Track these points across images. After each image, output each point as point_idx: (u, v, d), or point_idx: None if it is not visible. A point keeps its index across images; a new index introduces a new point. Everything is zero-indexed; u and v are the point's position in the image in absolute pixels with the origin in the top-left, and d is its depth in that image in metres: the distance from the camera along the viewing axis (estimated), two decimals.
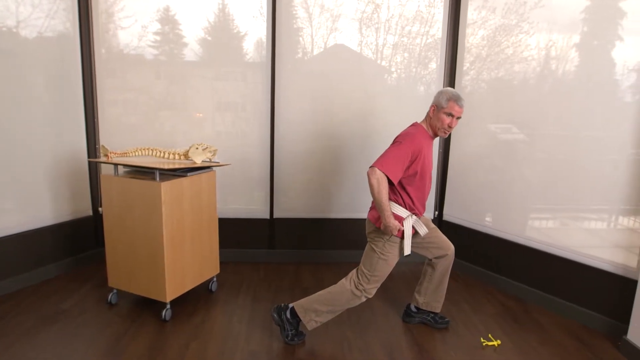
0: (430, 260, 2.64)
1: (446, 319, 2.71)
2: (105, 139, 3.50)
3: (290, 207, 3.69)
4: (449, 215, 3.71)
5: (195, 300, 2.96)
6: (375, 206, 2.30)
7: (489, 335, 2.62)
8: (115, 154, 2.79)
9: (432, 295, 2.67)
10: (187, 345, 2.43)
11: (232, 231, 3.62)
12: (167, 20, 3.41)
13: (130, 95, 3.50)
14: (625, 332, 2.47)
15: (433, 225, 2.63)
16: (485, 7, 3.32)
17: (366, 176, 2.24)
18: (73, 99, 3.34)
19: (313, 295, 2.45)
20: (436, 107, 2.34)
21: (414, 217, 2.40)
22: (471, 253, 3.51)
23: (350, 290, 2.38)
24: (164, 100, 3.51)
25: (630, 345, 2.40)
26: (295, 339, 2.45)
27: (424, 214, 2.59)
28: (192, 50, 3.47)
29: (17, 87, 2.96)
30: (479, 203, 3.45)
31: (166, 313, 2.67)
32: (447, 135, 2.41)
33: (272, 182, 3.62)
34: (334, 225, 3.71)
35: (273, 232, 3.70)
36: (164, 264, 2.58)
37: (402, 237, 2.37)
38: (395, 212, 2.34)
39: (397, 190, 2.35)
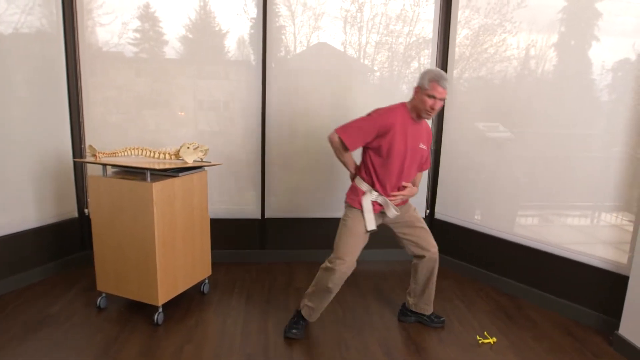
0: (412, 258, 2.64)
1: (442, 318, 2.71)
2: (91, 139, 3.39)
3: (281, 207, 3.65)
4: (440, 213, 3.72)
5: (188, 302, 2.90)
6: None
7: (485, 332, 2.63)
8: (103, 154, 2.71)
9: (420, 297, 2.66)
10: (182, 349, 2.37)
11: (223, 232, 3.56)
12: (148, 17, 3.32)
13: (112, 93, 3.39)
14: (617, 327, 2.51)
15: (420, 225, 2.59)
16: (469, 7, 3.35)
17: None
18: (57, 98, 3.22)
19: None
20: (419, 89, 2.29)
21: (378, 195, 2.40)
22: (462, 251, 3.53)
23: (324, 265, 2.43)
24: (147, 98, 3.42)
25: (622, 340, 2.44)
26: (289, 331, 2.49)
27: (414, 209, 2.61)
28: (173, 48, 3.39)
29: (2, 85, 2.84)
30: (469, 201, 3.47)
31: (158, 317, 2.60)
32: (430, 118, 2.38)
33: (263, 182, 3.57)
34: (325, 225, 3.67)
35: (264, 232, 3.65)
36: (156, 267, 2.51)
37: (361, 209, 2.41)
38: (357, 184, 2.43)
39: (363, 163, 2.42)
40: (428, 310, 2.68)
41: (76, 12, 3.22)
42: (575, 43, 2.78)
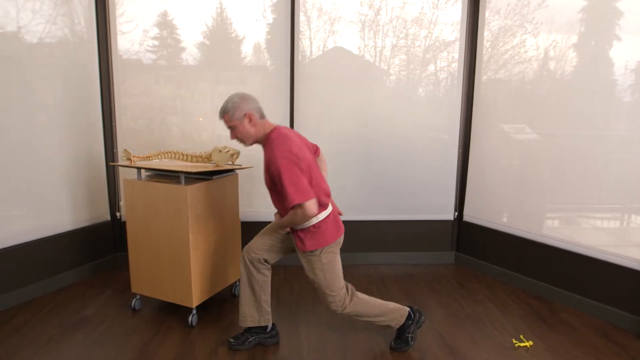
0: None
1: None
2: (122, 144, 3.45)
3: None
4: (468, 215, 3.68)
5: (220, 304, 2.92)
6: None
7: (520, 336, 2.59)
8: (138, 157, 2.75)
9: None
10: (216, 351, 2.39)
11: (252, 235, 3.58)
12: (166, 24, 3.39)
13: (138, 99, 3.46)
14: None
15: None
16: (489, 9, 3.33)
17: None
18: (90, 104, 3.30)
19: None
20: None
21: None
22: (492, 253, 3.49)
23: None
24: (167, 104, 3.48)
25: None
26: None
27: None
28: (190, 54, 3.44)
29: (29, 92, 2.91)
30: (498, 203, 3.44)
31: (192, 318, 2.63)
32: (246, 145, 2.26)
33: None
34: (353, 227, 3.68)
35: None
36: (190, 269, 2.54)
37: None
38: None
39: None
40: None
41: (109, 20, 3.30)
42: (596, 43, 2.75)
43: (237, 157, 2.87)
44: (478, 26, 3.48)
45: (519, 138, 3.27)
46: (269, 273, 2.42)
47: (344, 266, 3.61)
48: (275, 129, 2.18)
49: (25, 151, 2.90)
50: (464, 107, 3.59)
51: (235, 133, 2.20)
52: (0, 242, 2.80)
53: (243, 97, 2.17)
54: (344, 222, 3.62)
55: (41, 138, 2.99)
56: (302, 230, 2.18)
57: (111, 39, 3.32)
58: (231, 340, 2.44)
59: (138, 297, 2.84)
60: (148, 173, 2.79)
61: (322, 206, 2.16)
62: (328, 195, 2.23)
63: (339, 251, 2.29)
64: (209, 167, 2.70)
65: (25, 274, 2.93)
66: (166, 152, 2.80)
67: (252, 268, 2.36)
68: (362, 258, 3.73)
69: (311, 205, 2.01)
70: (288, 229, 2.23)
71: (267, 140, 2.17)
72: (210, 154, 2.78)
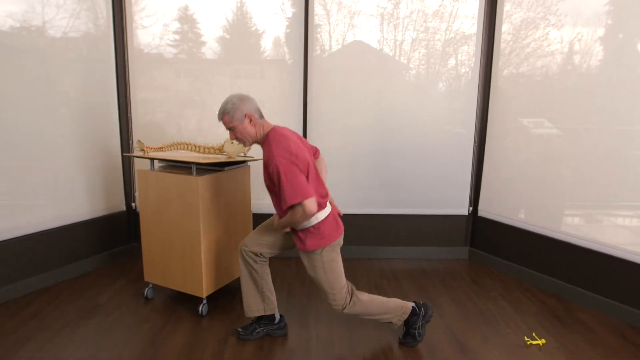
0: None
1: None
2: (138, 135, 3.50)
3: None
4: (483, 211, 3.62)
5: (231, 295, 2.95)
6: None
7: (533, 334, 2.54)
8: (151, 148, 2.79)
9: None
10: (226, 340, 2.41)
11: None
12: (186, 19, 3.41)
13: (155, 93, 3.50)
14: None
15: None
16: (510, 1, 3.24)
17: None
18: (107, 97, 3.36)
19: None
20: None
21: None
22: (507, 249, 3.43)
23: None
24: (186, 98, 3.51)
25: None
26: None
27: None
28: (210, 48, 3.46)
29: (51, 85, 2.98)
30: (514, 198, 3.37)
31: (203, 308, 2.66)
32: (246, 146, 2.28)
33: None
34: (366, 220, 3.66)
35: None
36: (201, 259, 2.57)
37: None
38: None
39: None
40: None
41: (125, 14, 3.34)
42: (624, 36, 2.64)
43: (249, 148, 2.88)
44: (496, 19, 3.40)
45: (538, 133, 3.19)
46: (266, 264, 2.42)
47: (356, 260, 3.64)
48: (274, 129, 2.18)
49: (46, 143, 2.97)
50: (481, 100, 3.52)
51: (235, 134, 2.21)
52: (21, 229, 2.88)
53: (242, 98, 2.18)
54: (357, 215, 3.64)
55: (61, 130, 3.05)
56: (302, 230, 2.17)
57: (127, 33, 3.37)
58: (239, 330, 2.46)
59: (151, 286, 2.88)
60: (161, 164, 2.83)
61: (319, 206, 2.14)
62: (324, 197, 2.20)
63: (339, 250, 2.27)
64: (221, 158, 2.71)
65: (45, 261, 3.02)
66: (179, 144, 2.82)
67: (250, 260, 2.37)
68: (374, 252, 3.71)
69: (311, 203, 1.99)
70: (288, 229, 2.23)
71: (265, 140, 2.17)
72: (223, 146, 2.80)
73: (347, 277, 3.29)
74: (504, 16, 3.32)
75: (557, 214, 3.09)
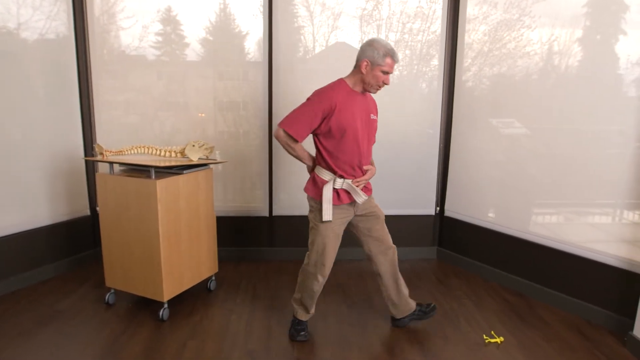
0: (370, 258, 2.51)
1: (431, 304, 2.63)
2: (105, 138, 3.46)
3: (289, 204, 3.65)
4: (450, 211, 3.66)
5: (194, 299, 2.93)
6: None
7: (492, 332, 2.57)
8: (110, 152, 2.76)
9: (399, 301, 2.56)
10: (185, 345, 2.39)
11: (232, 229, 3.59)
12: (169, 20, 3.39)
13: (132, 95, 3.47)
14: (632, 327, 2.41)
15: (383, 218, 2.49)
16: (487, 3, 3.26)
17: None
18: (69, 100, 3.31)
19: None
20: (370, 63, 2.15)
21: (342, 180, 2.25)
22: (474, 249, 3.46)
23: (303, 268, 2.43)
24: (164, 100, 3.48)
25: (637, 341, 2.35)
26: (297, 336, 2.45)
27: (373, 198, 2.48)
28: (193, 50, 3.44)
29: (14, 87, 2.93)
30: (481, 198, 3.41)
31: (164, 312, 2.63)
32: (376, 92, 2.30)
33: (271, 180, 3.58)
34: None
35: (272, 230, 3.66)
36: (161, 263, 2.54)
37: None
38: (319, 175, 2.27)
39: (318, 152, 2.26)
40: (412, 306, 2.58)
41: (87, 17, 3.30)
42: (601, 37, 2.66)
43: (212, 151, 2.87)
44: (459, 20, 3.43)
45: (507, 133, 3.22)
46: (373, 264, 2.53)
47: None
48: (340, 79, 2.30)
49: (4, 146, 2.92)
50: (446, 101, 3.56)
51: None
52: None
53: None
54: None
55: (20, 133, 3.00)
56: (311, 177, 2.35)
57: (89, 35, 3.33)
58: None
59: (112, 291, 2.85)
60: (122, 168, 2.80)
61: (341, 173, 2.25)
62: (344, 169, 2.25)
63: (333, 235, 2.32)
64: (183, 161, 2.70)
65: (3, 268, 2.95)
66: (140, 147, 2.80)
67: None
68: (342, 253, 3.69)
69: (283, 134, 2.18)
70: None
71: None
72: (184, 149, 2.78)
73: None
74: (480, 17, 3.32)
75: (522, 213, 3.13)
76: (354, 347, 2.40)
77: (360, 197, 2.29)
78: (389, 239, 2.49)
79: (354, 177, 2.28)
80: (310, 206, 2.36)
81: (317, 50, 3.50)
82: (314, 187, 2.30)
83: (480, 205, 3.41)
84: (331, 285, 3.19)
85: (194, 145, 2.76)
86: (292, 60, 3.47)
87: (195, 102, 3.50)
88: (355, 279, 3.31)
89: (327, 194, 2.23)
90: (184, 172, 2.65)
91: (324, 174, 2.27)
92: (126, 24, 3.36)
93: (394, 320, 2.64)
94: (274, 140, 3.52)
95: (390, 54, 2.14)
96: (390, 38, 3.50)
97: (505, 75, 3.18)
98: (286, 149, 2.23)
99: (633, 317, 2.42)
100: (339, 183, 2.25)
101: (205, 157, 2.87)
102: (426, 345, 2.44)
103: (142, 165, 2.54)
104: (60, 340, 2.42)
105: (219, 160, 2.94)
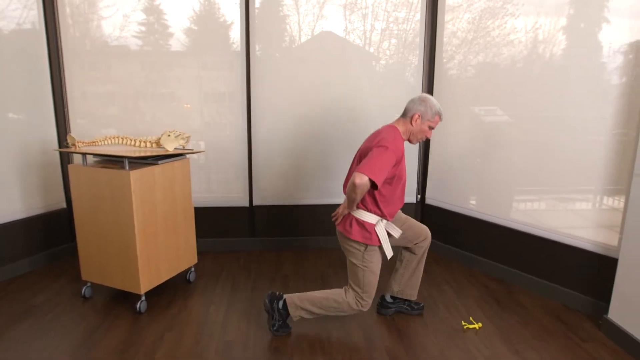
0: (408, 249, 2.58)
1: (421, 304, 2.68)
2: (82, 130, 3.39)
3: (269, 194, 3.62)
4: (431, 198, 3.66)
5: (173, 291, 2.89)
6: (347, 202, 2.23)
7: (470, 318, 2.59)
8: (83, 143, 2.69)
9: (408, 282, 2.61)
10: (162, 337, 2.36)
11: (212, 220, 3.55)
12: (152, 10, 3.30)
13: (111, 86, 3.39)
14: (606, 311, 2.45)
15: (404, 216, 2.56)
16: None
17: (346, 162, 2.19)
18: (41, 91, 3.22)
19: (308, 293, 2.36)
20: (421, 117, 2.26)
21: (385, 220, 2.31)
22: (454, 236, 3.48)
23: (348, 303, 2.30)
24: (146, 91, 3.41)
25: (611, 324, 2.38)
26: (281, 330, 2.39)
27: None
28: (177, 40, 3.37)
29: None
30: (461, 186, 3.41)
31: (141, 305, 2.60)
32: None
33: (250, 170, 3.54)
34: (313, 212, 3.65)
35: (253, 220, 3.63)
36: (137, 255, 2.50)
37: (380, 244, 2.29)
38: (363, 219, 2.26)
39: (373, 197, 2.25)
40: (414, 295, 2.63)
41: (57, 7, 3.20)
42: (585, 25, 2.63)
43: (188, 141, 2.82)
44: (437, 7, 3.41)
45: (489, 120, 3.22)
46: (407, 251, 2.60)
47: (311, 249, 3.62)
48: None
49: None
50: (426, 89, 3.55)
51: None
52: None
53: None
54: (310, 206, 3.63)
55: None
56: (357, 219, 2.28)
57: (60, 26, 3.24)
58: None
59: (89, 284, 2.80)
60: (96, 159, 2.74)
61: (384, 215, 2.28)
62: (389, 212, 2.30)
63: (380, 261, 2.33)
64: (159, 151, 2.65)
65: None
66: (113, 137, 2.74)
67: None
68: (326, 242, 3.70)
69: (365, 181, 2.05)
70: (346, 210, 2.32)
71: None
72: (159, 139, 2.73)
73: (297, 266, 3.30)
74: (460, 6, 3.28)
75: (503, 200, 3.14)
76: (332, 336, 2.40)
77: (397, 232, 2.38)
78: (420, 229, 2.54)
79: (389, 217, 2.34)
80: (355, 249, 2.29)
81: (303, 39, 3.45)
82: (363, 231, 2.27)
83: (461, 192, 3.42)
84: (311, 273, 3.18)
85: (169, 135, 2.71)
86: (276, 49, 3.42)
87: (180, 93, 3.43)
88: (335, 268, 3.30)
89: (383, 234, 2.30)
90: (159, 162, 2.60)
91: (369, 217, 2.26)
92: (106, 13, 3.27)
93: (381, 305, 2.66)
94: (252, 129, 3.48)
95: (440, 113, 2.30)
96: (375, 27, 3.46)
97: (490, 63, 3.17)
98: (356, 193, 2.12)
99: (608, 301, 2.45)
100: (384, 224, 2.31)
101: (181, 147, 2.82)
102: (405, 332, 2.44)
103: (116, 155, 2.49)
104: (34, 335, 2.37)
105: (195, 150, 2.89)
